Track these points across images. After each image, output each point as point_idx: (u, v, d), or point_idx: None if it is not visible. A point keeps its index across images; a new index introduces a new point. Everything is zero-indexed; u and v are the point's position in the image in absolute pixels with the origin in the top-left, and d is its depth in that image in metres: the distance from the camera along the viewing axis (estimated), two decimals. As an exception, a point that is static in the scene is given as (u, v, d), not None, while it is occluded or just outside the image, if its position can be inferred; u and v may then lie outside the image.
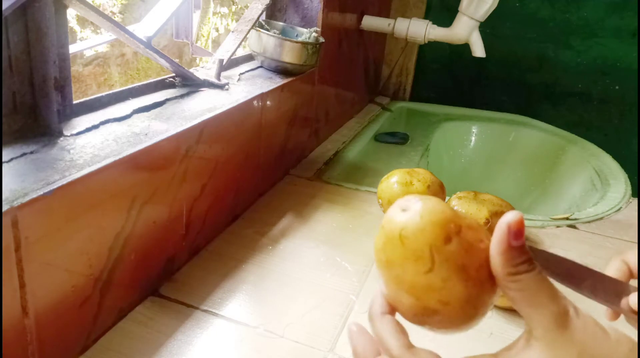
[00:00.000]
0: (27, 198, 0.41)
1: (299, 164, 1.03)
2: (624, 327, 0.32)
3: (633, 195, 0.98)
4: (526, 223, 0.79)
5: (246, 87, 0.81)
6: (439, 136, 1.41)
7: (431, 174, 0.79)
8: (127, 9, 0.92)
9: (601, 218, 0.89)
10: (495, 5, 1.14)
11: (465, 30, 1.18)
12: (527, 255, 0.30)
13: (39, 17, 0.49)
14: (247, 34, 0.89)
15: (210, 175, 0.68)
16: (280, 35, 0.91)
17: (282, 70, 0.93)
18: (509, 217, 0.29)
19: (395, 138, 1.29)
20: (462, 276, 0.29)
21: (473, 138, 1.50)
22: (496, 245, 0.30)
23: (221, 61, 0.81)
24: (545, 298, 0.29)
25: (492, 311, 0.62)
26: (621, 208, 0.93)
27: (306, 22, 1.03)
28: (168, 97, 0.70)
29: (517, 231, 0.29)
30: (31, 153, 0.49)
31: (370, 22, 1.28)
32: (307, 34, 0.97)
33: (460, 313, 0.29)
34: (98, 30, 0.88)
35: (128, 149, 0.52)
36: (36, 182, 0.43)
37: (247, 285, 0.63)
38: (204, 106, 0.69)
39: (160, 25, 0.71)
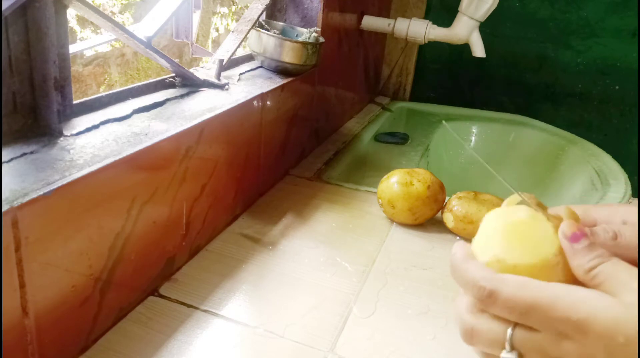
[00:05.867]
0: (27, 198, 0.41)
1: (299, 164, 1.02)
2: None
3: (633, 195, 0.98)
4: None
5: (246, 87, 0.81)
6: (439, 136, 1.40)
7: (431, 174, 0.79)
8: (127, 8, 0.92)
9: (601, 218, 0.89)
10: (495, 5, 1.14)
11: (465, 30, 1.18)
12: (595, 250, 0.34)
13: (39, 17, 0.49)
14: (247, 34, 0.89)
15: (210, 175, 0.68)
16: (280, 36, 0.91)
17: (282, 70, 0.93)
18: (563, 227, 0.35)
19: (395, 138, 1.29)
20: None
21: (473, 138, 1.49)
22: (567, 254, 0.35)
23: (221, 61, 0.81)
24: (626, 276, 0.33)
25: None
26: (621, 208, 0.93)
27: (306, 22, 1.03)
28: (168, 97, 0.70)
29: (573, 236, 0.35)
30: (31, 153, 0.49)
31: (370, 22, 1.28)
32: (307, 34, 0.97)
33: None
34: (98, 30, 0.88)
35: (128, 149, 0.52)
36: (36, 182, 0.43)
37: (247, 285, 0.63)
38: (204, 106, 0.69)
39: (160, 25, 0.71)
